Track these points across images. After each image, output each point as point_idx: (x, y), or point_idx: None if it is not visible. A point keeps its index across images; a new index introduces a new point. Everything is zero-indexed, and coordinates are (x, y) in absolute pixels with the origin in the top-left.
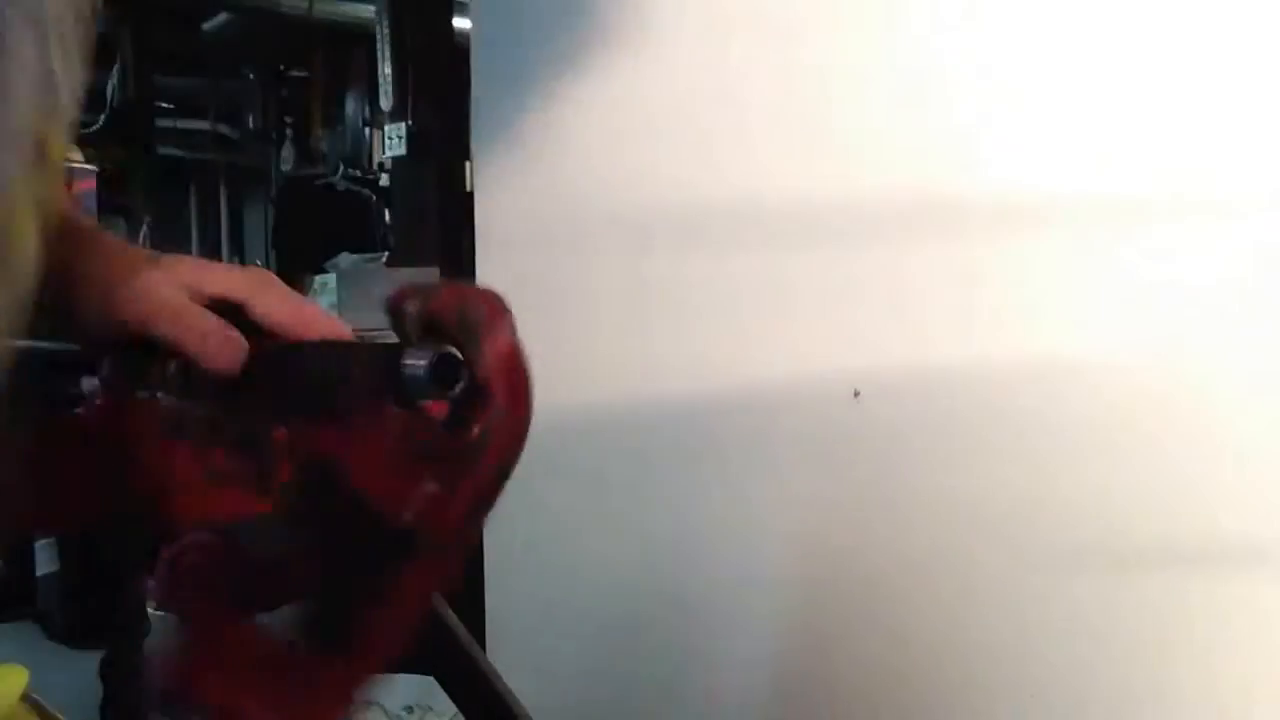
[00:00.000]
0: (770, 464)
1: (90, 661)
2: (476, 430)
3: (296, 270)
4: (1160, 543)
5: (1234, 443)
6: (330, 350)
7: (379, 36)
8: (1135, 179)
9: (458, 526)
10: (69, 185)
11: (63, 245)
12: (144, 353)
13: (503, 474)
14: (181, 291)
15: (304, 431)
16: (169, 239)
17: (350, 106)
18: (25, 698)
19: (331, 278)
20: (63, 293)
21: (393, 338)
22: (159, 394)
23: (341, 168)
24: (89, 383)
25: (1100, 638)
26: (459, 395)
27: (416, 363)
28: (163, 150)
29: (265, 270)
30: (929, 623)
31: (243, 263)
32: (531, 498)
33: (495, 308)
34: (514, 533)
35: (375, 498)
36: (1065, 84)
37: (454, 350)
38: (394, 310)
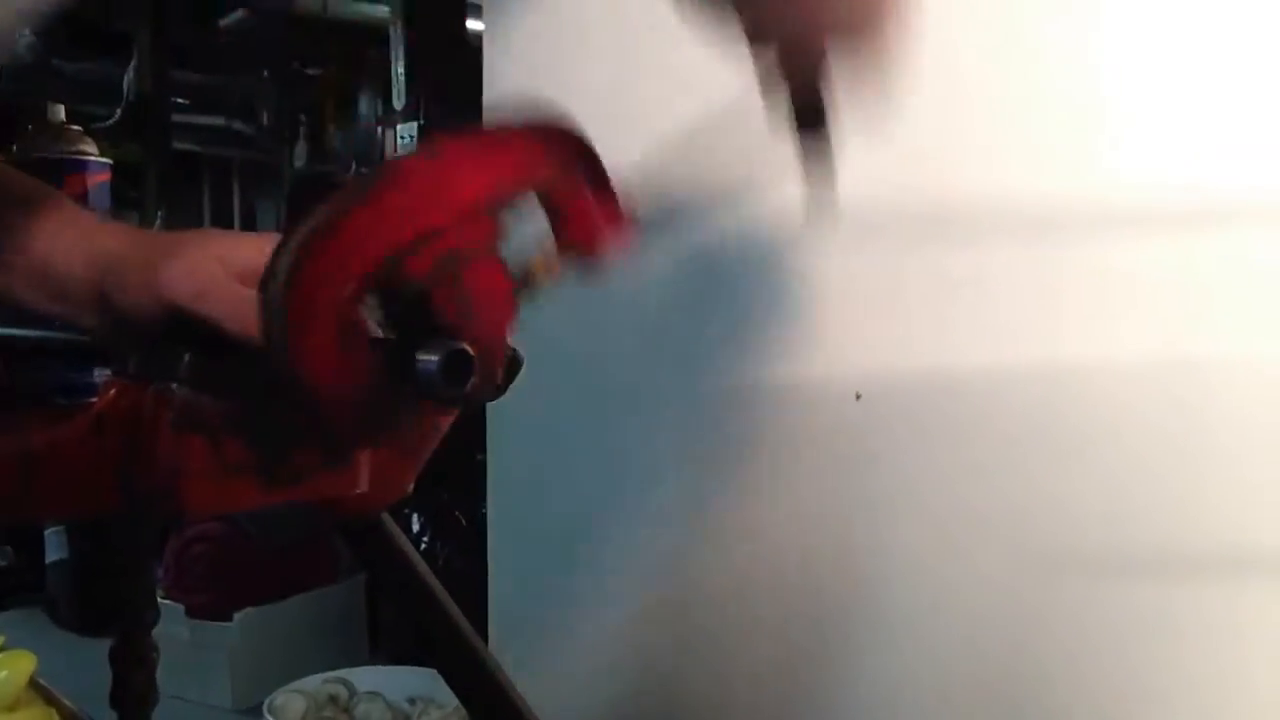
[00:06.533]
0: (771, 466)
1: (97, 649)
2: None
3: None
4: (1166, 547)
5: (1238, 447)
6: None
7: (393, 36)
8: (1139, 183)
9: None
10: (84, 179)
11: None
12: (164, 342)
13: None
14: (220, 267)
15: None
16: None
17: (363, 105)
18: (33, 683)
19: None
20: (91, 273)
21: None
22: (173, 385)
23: (354, 165)
24: (100, 373)
25: (1103, 642)
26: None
27: (428, 358)
28: (178, 145)
29: None
30: (930, 626)
31: None
32: (533, 492)
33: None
34: (515, 526)
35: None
36: (1071, 87)
37: (466, 346)
38: None
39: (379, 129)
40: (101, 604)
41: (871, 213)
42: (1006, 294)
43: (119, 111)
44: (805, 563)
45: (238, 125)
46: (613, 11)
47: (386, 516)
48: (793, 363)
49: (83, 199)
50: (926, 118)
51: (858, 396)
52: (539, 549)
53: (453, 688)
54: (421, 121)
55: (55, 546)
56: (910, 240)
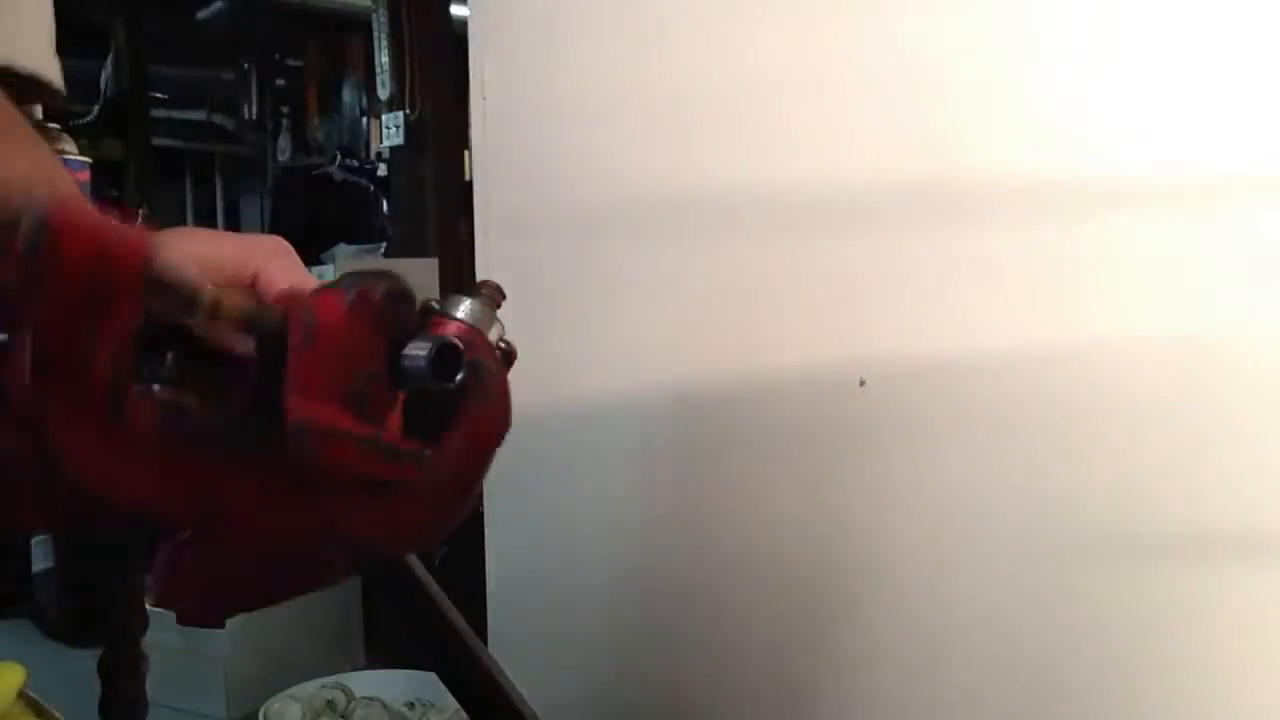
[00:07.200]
0: (776, 453)
1: (86, 659)
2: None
3: None
4: (1179, 533)
5: (1245, 433)
6: None
7: (376, 24)
8: (1145, 165)
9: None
10: None
11: None
12: (144, 344)
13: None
14: (203, 274)
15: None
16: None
17: (347, 96)
18: (22, 695)
19: (329, 269)
20: None
21: None
22: (155, 386)
23: (339, 158)
24: None
25: (1107, 627)
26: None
27: (416, 353)
28: (158, 141)
29: (278, 239)
30: (935, 612)
31: None
32: (531, 490)
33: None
34: (514, 526)
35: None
36: (1074, 67)
37: (456, 340)
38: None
39: (364, 119)
40: (89, 613)
41: (873, 196)
42: (1013, 276)
43: (96, 109)
44: (809, 551)
45: (219, 119)
46: None
47: None
48: (795, 349)
49: None
50: (928, 102)
51: (861, 383)
52: (537, 548)
53: (452, 690)
54: (407, 112)
55: (41, 556)
56: (913, 224)
